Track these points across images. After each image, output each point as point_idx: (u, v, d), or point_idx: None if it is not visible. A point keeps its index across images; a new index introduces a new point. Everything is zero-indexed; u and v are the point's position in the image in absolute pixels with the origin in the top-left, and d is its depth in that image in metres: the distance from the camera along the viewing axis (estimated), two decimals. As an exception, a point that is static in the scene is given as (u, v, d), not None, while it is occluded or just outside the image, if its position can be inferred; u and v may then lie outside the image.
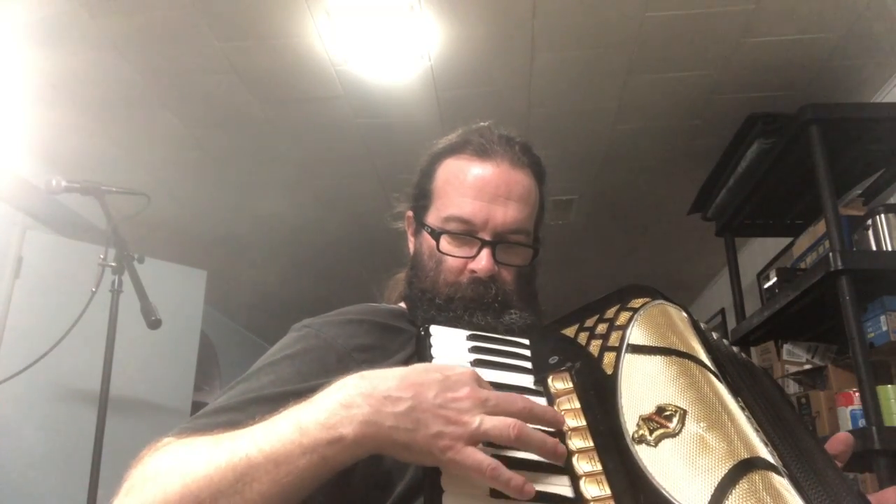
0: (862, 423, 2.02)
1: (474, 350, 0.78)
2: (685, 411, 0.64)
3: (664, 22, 2.28)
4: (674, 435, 0.62)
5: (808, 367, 2.53)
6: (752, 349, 2.93)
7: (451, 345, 0.79)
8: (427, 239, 0.97)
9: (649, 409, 0.65)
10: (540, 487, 0.62)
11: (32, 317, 2.92)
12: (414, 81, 2.59)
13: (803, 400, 2.41)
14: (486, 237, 0.93)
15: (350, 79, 2.57)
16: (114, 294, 2.31)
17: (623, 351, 0.72)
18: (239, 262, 4.30)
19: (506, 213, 0.94)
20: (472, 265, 0.93)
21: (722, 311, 4.37)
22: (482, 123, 1.04)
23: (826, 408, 2.30)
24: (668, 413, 0.64)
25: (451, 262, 0.94)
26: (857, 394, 2.06)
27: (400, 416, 0.62)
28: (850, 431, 2.09)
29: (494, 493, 0.62)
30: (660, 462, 0.60)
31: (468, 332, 0.82)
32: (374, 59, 2.47)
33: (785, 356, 2.60)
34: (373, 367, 0.74)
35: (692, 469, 0.59)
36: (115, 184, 2.37)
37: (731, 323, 3.32)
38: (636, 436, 0.63)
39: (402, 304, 1.01)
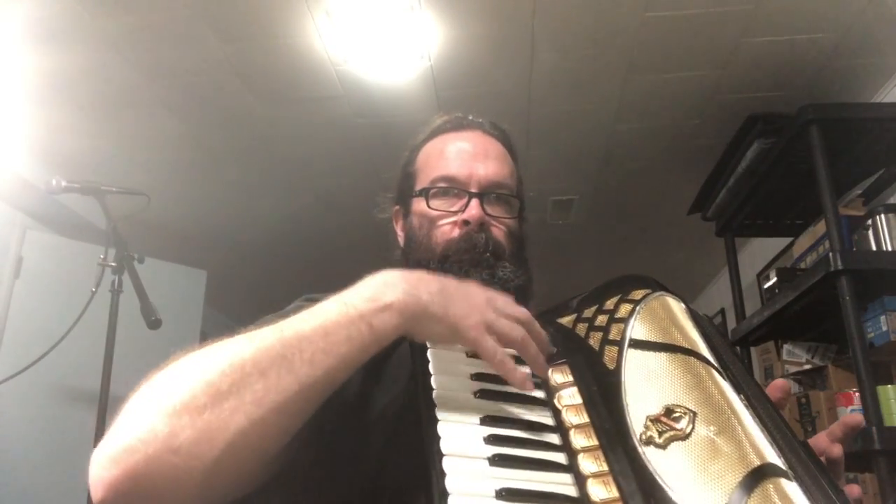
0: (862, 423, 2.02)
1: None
2: (695, 413, 0.62)
3: (664, 22, 2.28)
4: (684, 438, 0.60)
5: (808, 367, 2.53)
6: (752, 349, 2.93)
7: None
8: (416, 205, 1.01)
9: (657, 409, 0.63)
10: (542, 488, 0.60)
11: (32, 317, 2.93)
12: (414, 81, 2.59)
13: (803, 400, 2.41)
14: (473, 190, 0.98)
15: (350, 79, 2.57)
16: (114, 294, 2.31)
17: (625, 346, 0.71)
18: (239, 262, 4.30)
19: (487, 168, 0.99)
20: (463, 216, 0.97)
21: (722, 311, 4.38)
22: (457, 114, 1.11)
23: (826, 408, 2.29)
24: (677, 414, 0.62)
25: (443, 220, 0.98)
26: (857, 394, 2.06)
27: (433, 294, 0.69)
28: (850, 431, 2.09)
29: (476, 378, 0.69)
30: (669, 465, 0.59)
31: None
32: (374, 59, 2.47)
33: (785, 356, 2.60)
34: None
35: (704, 475, 0.57)
36: (115, 184, 2.37)
37: (731, 323, 3.31)
38: (644, 437, 0.61)
39: None
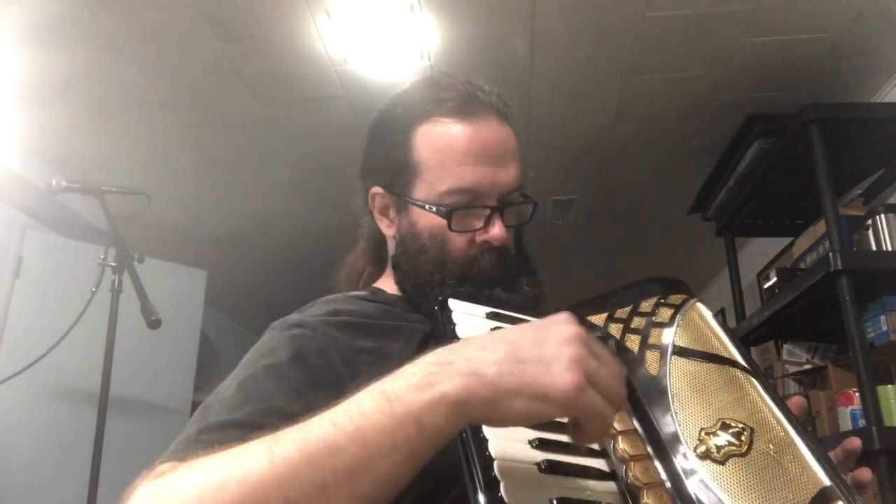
0: (862, 423, 2.02)
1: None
2: (752, 429, 0.60)
3: (664, 22, 2.28)
4: (742, 454, 0.58)
5: (808, 367, 2.53)
6: (752, 349, 2.93)
7: (473, 322, 0.73)
8: (423, 218, 0.88)
9: (710, 421, 0.61)
10: (594, 497, 0.58)
11: (32, 317, 2.93)
12: (414, 81, 2.59)
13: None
14: (493, 203, 0.86)
15: (350, 79, 2.57)
16: (114, 294, 2.31)
17: (669, 352, 0.68)
18: (239, 262, 4.30)
19: (508, 174, 0.87)
20: (486, 236, 0.86)
21: (722, 311, 4.37)
22: (437, 75, 0.96)
23: (826, 408, 2.29)
24: (734, 429, 0.60)
25: (459, 239, 0.86)
26: (857, 394, 2.06)
27: (502, 360, 0.53)
28: (850, 431, 2.09)
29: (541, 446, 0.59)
30: (729, 482, 0.57)
31: (487, 310, 0.76)
32: (374, 59, 2.47)
33: (785, 356, 2.60)
34: (379, 369, 0.71)
35: (768, 494, 0.56)
36: (115, 184, 2.37)
37: (732, 323, 3.31)
38: (699, 450, 0.59)
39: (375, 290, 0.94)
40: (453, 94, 0.89)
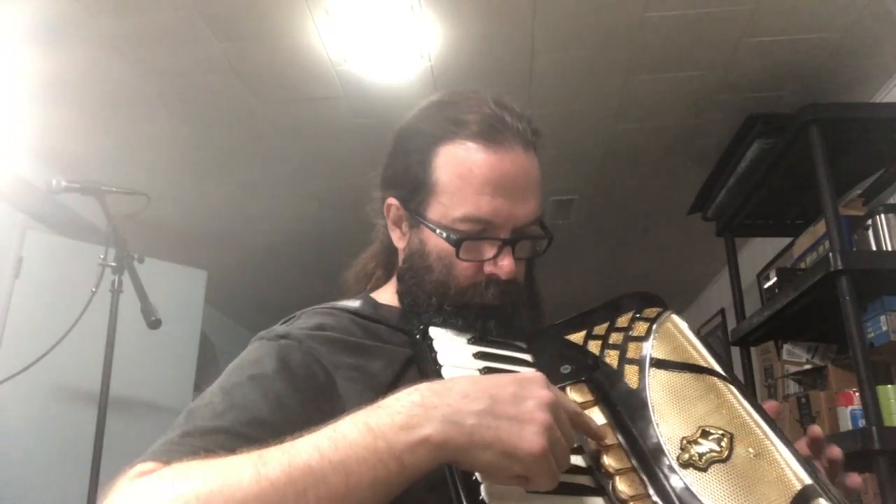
0: (862, 423, 2.02)
1: (480, 356, 0.75)
2: (732, 434, 0.61)
3: (664, 22, 2.28)
4: (724, 460, 0.60)
5: (808, 367, 2.53)
6: (752, 349, 2.93)
7: (454, 350, 0.75)
8: (434, 239, 0.86)
9: (691, 430, 0.62)
10: None
11: (32, 317, 2.93)
12: (414, 81, 2.59)
13: (803, 400, 2.40)
14: (506, 235, 0.84)
15: (350, 79, 2.57)
16: (114, 294, 2.31)
17: (647, 365, 0.69)
18: (239, 262, 4.30)
19: (526, 208, 0.84)
20: (494, 269, 0.84)
21: (722, 311, 4.37)
22: (467, 91, 0.92)
23: (826, 408, 2.29)
24: (714, 436, 0.62)
25: (467, 266, 0.85)
26: (857, 394, 2.06)
27: (480, 413, 0.58)
28: (850, 431, 2.09)
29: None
30: (712, 488, 0.58)
31: (469, 336, 0.79)
32: (373, 59, 2.47)
33: (785, 356, 2.60)
34: (359, 386, 0.73)
35: (751, 497, 0.57)
36: (115, 184, 2.37)
37: (731, 323, 3.31)
38: (682, 459, 0.60)
39: (379, 296, 0.95)
40: (478, 117, 0.86)
